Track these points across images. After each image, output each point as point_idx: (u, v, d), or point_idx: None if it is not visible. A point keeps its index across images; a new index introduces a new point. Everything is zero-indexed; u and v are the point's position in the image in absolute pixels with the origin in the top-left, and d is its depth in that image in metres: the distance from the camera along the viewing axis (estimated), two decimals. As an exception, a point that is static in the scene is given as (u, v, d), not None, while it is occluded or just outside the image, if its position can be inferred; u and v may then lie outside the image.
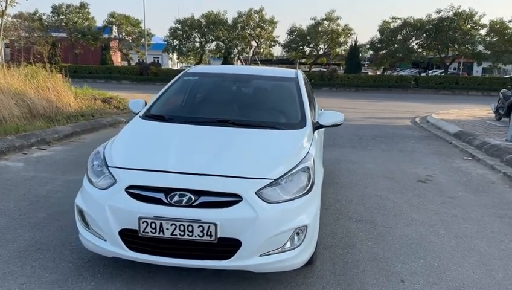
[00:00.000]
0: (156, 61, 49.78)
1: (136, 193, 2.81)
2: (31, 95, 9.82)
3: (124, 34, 36.41)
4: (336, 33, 32.41)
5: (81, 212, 3.06)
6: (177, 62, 58.24)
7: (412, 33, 31.64)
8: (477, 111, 16.41)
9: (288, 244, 2.83)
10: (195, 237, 2.70)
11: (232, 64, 35.36)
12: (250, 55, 35.36)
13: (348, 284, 3.13)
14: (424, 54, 32.10)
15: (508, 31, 30.77)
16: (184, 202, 2.74)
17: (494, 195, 5.59)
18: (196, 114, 4.02)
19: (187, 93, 4.47)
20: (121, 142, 3.33)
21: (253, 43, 34.56)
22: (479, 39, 31.46)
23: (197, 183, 2.79)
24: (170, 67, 45.97)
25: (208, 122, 3.67)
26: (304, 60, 38.27)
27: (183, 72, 4.63)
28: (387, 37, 31.66)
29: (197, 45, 35.67)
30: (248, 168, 2.93)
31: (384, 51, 32.37)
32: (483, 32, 31.99)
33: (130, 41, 37.00)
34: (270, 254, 2.79)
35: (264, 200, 2.77)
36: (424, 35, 31.03)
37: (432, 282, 3.21)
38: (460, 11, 30.40)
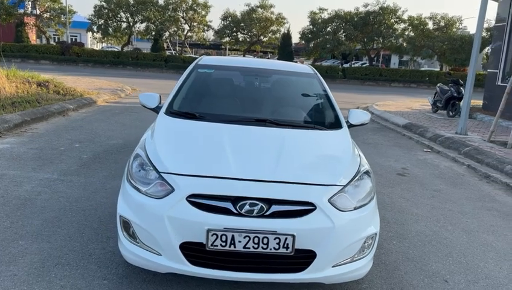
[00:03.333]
0: (74, 40, 46.52)
1: (200, 202, 2.53)
2: (-39, 77, 8.62)
3: (41, 10, 33.33)
4: (269, 21, 32.56)
5: (126, 224, 2.69)
6: (97, 42, 54.82)
7: (341, 25, 32.76)
8: (410, 103, 17.47)
9: (357, 254, 2.73)
10: (270, 249, 2.50)
11: (163, 47, 34.09)
12: (183, 39, 34.35)
13: (401, 287, 3.11)
14: (351, 46, 33.42)
15: (426, 27, 33.07)
16: (256, 211, 2.52)
17: (470, 188, 5.95)
18: (227, 112, 3.72)
19: (207, 87, 4.13)
20: (163, 144, 2.97)
21: (186, 27, 33.54)
22: (401, 33, 33.44)
23: (269, 192, 2.58)
24: (90, 46, 43.13)
25: (244, 121, 3.42)
26: (237, 47, 37.99)
27: (194, 64, 4.26)
28: (319, 28, 32.46)
29: (124, 25, 33.77)
30: (316, 174, 2.77)
31: (315, 42, 33.14)
32: (401, 26, 33.99)
33: (48, 18, 33.95)
34: (342, 264, 2.67)
35: (336, 209, 2.63)
36: (352, 27, 32.26)
37: (471, 280, 3.30)
38: (385, 5, 32.02)
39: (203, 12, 33.21)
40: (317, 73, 4.36)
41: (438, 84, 14.20)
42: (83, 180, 4.86)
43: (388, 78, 31.44)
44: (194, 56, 35.03)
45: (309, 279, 2.62)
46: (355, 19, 32.07)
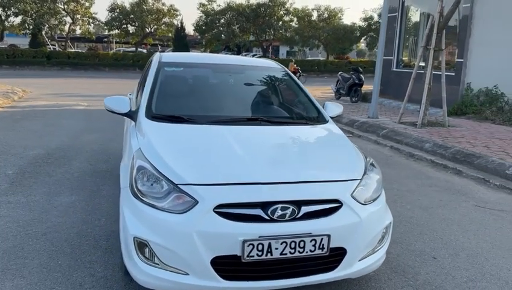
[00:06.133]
0: None
1: (228, 212, 2.35)
2: None
3: None
4: (161, 13, 31.56)
5: (142, 245, 2.38)
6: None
7: (234, 17, 33.11)
8: (311, 91, 18.23)
9: (377, 245, 2.78)
10: (307, 252, 2.42)
11: (43, 42, 31.06)
12: (66, 32, 31.64)
13: (403, 270, 3.25)
14: (245, 37, 34.03)
15: (312, 18, 35.00)
16: (288, 215, 2.42)
17: (403, 167, 6.45)
18: (215, 112, 3.47)
19: (182, 87, 3.82)
20: (168, 153, 2.67)
21: (68, 19, 30.95)
22: (289, 25, 34.94)
23: (297, 193, 2.49)
24: None
25: (236, 121, 3.25)
26: (127, 40, 36.12)
27: (158, 62, 3.84)
28: (213, 20, 32.41)
29: (-6, 19, 30.01)
30: (335, 171, 2.76)
31: (209, 33, 33.06)
32: (286, 18, 35.54)
33: None
34: (366, 257, 2.69)
35: (359, 202, 2.64)
36: (245, 19, 32.80)
37: (453, 254, 3.57)
38: (274, -2, 33.13)
39: (87, 4, 30.99)
40: (284, 67, 4.32)
41: (339, 73, 15.14)
42: (23, 200, 4.21)
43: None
44: (80, 51, 32.52)
45: (340, 276, 2.60)
46: (247, 10, 32.63)
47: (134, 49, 35.25)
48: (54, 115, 9.78)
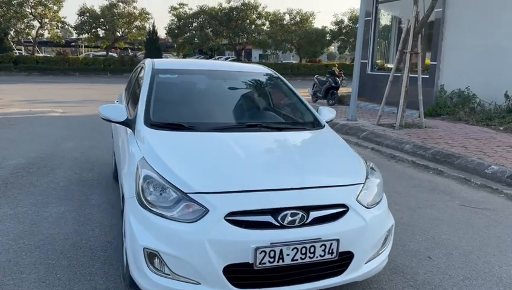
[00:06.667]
0: None
1: (239, 219, 2.35)
2: None
3: None
4: (132, 16, 31.13)
5: (153, 256, 2.35)
6: None
7: (207, 21, 33.02)
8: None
9: (381, 247, 2.83)
10: (317, 257, 2.45)
11: (10, 47, 30.12)
12: (34, 37, 30.76)
13: (401, 270, 3.32)
14: (218, 41, 33.99)
15: (284, 22, 35.29)
16: (297, 221, 2.44)
17: (387, 169, 6.57)
18: (214, 119, 3.45)
19: (179, 94, 3.77)
20: (174, 161, 2.64)
21: (36, 24, 30.12)
22: (263, 29, 35.15)
23: (306, 199, 2.52)
24: None
25: (236, 127, 3.26)
26: (97, 43, 35.43)
27: (150, 69, 3.77)
28: (185, 23, 32.21)
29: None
30: (339, 175, 2.81)
31: (182, 37, 32.85)
32: (259, 22, 35.76)
33: None
34: (371, 260, 2.74)
35: (363, 206, 2.69)
36: (218, 23, 32.76)
37: (447, 253, 3.67)
38: (247, 1, 33.21)
39: (55, 8, 30.22)
40: (276, 72, 4.34)
41: (316, 76, 15.32)
42: (10, 212, 4.07)
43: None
44: (48, 56, 31.72)
45: (348, 280, 2.64)
46: (220, 14, 32.62)
47: (104, 53, 34.67)
48: (29, 122, 9.50)
